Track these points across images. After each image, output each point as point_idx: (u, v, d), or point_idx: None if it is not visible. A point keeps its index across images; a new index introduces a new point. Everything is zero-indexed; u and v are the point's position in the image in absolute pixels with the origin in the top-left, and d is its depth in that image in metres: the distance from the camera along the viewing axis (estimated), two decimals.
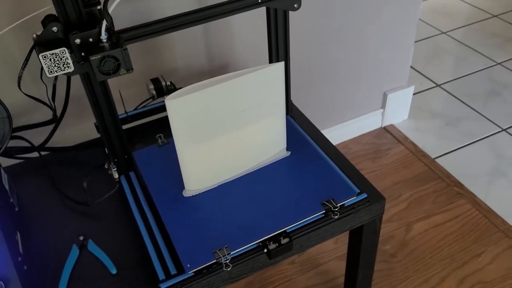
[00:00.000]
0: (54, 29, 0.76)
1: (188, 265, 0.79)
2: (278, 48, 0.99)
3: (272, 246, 0.83)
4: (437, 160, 1.68)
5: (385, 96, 1.73)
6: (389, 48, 1.61)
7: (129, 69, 0.78)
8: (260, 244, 0.84)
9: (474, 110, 1.88)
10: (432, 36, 2.34)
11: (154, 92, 1.09)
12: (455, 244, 1.41)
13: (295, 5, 0.93)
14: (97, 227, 0.94)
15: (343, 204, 0.90)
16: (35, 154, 1.07)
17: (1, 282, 0.77)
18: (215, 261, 0.80)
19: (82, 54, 0.76)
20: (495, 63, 2.12)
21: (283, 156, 0.98)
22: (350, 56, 1.55)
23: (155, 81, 1.09)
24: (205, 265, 0.80)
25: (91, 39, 0.76)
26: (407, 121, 1.85)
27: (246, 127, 0.89)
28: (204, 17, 0.84)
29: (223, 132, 0.87)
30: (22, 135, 1.05)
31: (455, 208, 1.51)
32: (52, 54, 0.74)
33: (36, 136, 1.06)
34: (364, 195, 0.92)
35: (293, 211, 0.87)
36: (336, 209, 0.88)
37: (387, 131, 1.81)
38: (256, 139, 0.92)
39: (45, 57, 0.74)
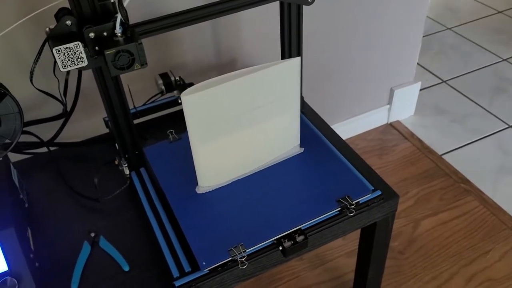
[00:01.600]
0: (68, 22, 0.74)
1: (204, 263, 0.78)
2: (291, 43, 0.98)
3: (287, 243, 0.83)
4: (444, 157, 1.67)
5: (391, 92, 1.72)
6: (397, 45, 1.60)
7: (144, 64, 0.77)
8: (275, 241, 0.83)
9: (480, 106, 1.87)
10: (437, 32, 2.33)
11: (163, 87, 1.08)
12: (463, 241, 1.40)
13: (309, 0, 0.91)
14: (108, 224, 0.93)
15: (358, 202, 0.89)
16: (43, 150, 1.06)
17: (14, 279, 0.76)
18: (230, 258, 0.79)
19: (96, 48, 0.75)
20: (501, 59, 2.12)
21: (297, 153, 0.97)
22: (357, 52, 1.54)
23: (164, 76, 1.08)
24: (220, 263, 0.79)
25: (105, 33, 0.75)
26: (413, 117, 1.84)
27: (261, 123, 0.88)
28: (220, 11, 0.83)
29: (237, 128, 0.86)
30: (30, 130, 1.04)
31: (462, 205, 1.50)
32: (66, 48, 0.73)
33: (44, 131, 1.05)
34: (379, 192, 0.91)
35: (308, 208, 0.86)
36: (352, 207, 0.87)
37: (393, 127, 1.80)
38: (270, 136, 0.91)
39: (59, 51, 0.73)
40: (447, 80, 2.02)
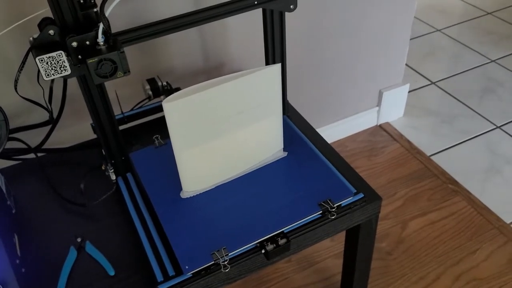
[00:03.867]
0: (51, 32, 0.75)
1: (187, 267, 0.79)
2: (275, 49, 1.00)
3: (269, 247, 0.84)
4: (432, 158, 1.68)
5: (380, 94, 1.73)
6: (385, 46, 1.61)
7: (126, 72, 0.78)
8: (258, 245, 0.85)
9: (469, 107, 1.89)
10: (427, 34, 2.34)
11: (150, 93, 1.09)
12: (450, 241, 1.42)
13: (291, 6, 0.93)
14: (95, 229, 0.94)
15: (340, 205, 0.90)
16: (31, 156, 1.07)
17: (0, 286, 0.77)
18: (213, 262, 0.81)
19: (79, 57, 0.76)
20: (490, 61, 2.13)
21: (280, 157, 0.98)
22: (345, 54, 1.55)
23: (151, 82, 1.09)
24: (203, 267, 0.80)
25: (88, 42, 0.76)
26: (402, 119, 1.86)
27: (244, 128, 0.89)
28: (202, 19, 0.84)
29: (220, 133, 0.88)
30: (17, 136, 1.05)
31: (450, 206, 1.52)
32: (49, 57, 0.74)
33: (32, 137, 1.06)
34: (361, 195, 0.92)
35: (290, 211, 0.88)
36: (333, 210, 0.88)
37: (383, 129, 1.81)
38: (253, 140, 0.92)
39: (42, 60, 0.74)
40: (436, 82, 2.03)
